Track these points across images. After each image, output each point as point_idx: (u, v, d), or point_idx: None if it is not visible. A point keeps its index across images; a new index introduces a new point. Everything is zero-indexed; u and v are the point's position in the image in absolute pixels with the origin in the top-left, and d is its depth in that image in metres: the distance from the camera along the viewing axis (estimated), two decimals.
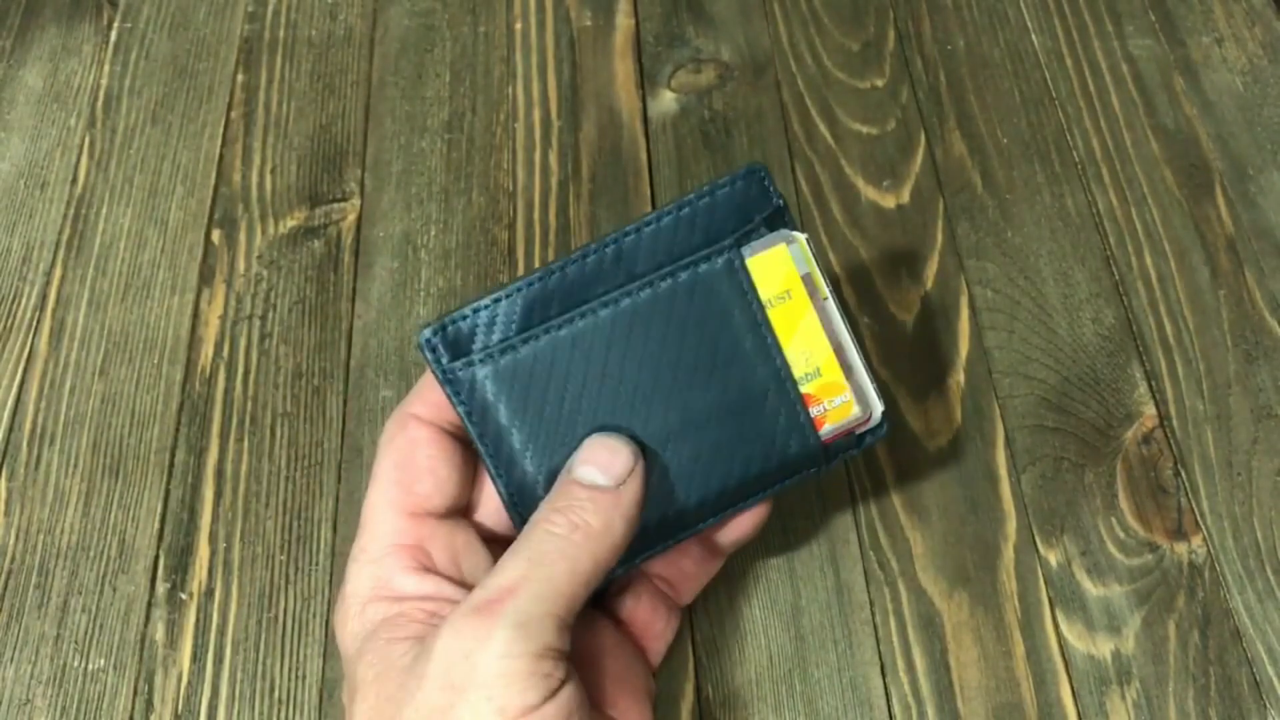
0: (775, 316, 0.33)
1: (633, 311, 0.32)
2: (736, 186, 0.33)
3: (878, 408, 0.34)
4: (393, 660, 0.30)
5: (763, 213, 0.33)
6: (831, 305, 0.33)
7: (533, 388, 0.32)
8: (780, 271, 0.33)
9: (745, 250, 0.33)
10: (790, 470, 0.34)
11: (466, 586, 0.32)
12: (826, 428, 0.33)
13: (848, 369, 0.33)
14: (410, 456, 0.33)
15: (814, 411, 0.33)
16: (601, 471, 0.31)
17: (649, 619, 0.35)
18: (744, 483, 0.33)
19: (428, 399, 0.34)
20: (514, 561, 0.30)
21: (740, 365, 0.33)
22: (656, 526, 0.33)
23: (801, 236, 0.33)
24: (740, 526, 0.36)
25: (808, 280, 0.33)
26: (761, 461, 0.33)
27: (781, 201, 0.33)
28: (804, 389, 0.33)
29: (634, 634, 0.35)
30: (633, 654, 0.35)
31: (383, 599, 0.32)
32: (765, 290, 0.33)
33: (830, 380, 0.33)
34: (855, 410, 0.33)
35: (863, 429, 0.34)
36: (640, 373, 0.32)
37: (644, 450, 0.33)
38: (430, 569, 0.32)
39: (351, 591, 0.32)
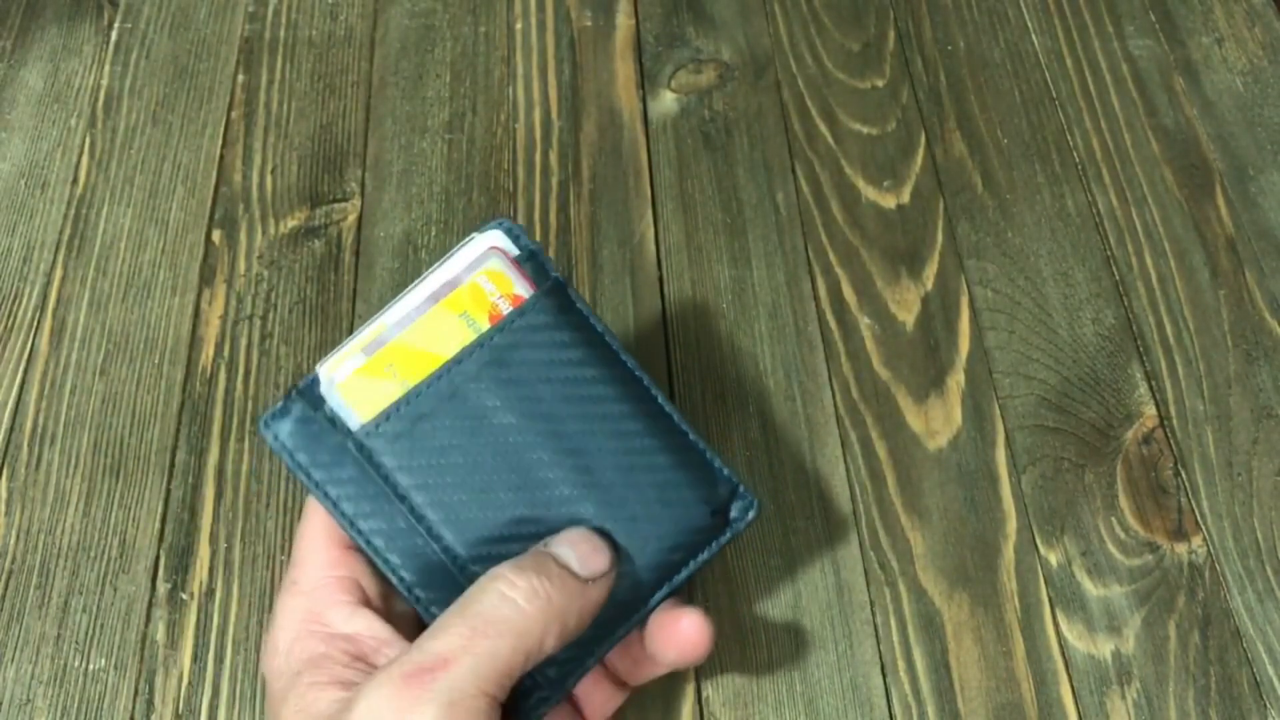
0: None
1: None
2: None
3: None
4: (316, 710, 0.29)
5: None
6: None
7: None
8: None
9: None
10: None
11: (395, 625, 0.31)
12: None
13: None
14: None
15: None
16: (580, 562, 0.30)
17: (590, 691, 0.34)
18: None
19: None
20: (457, 624, 0.28)
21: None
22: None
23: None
24: (676, 639, 0.33)
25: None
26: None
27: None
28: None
29: (574, 699, 0.34)
30: (570, 714, 0.34)
31: (311, 635, 0.31)
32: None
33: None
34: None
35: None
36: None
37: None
38: (363, 603, 0.32)
39: (281, 625, 0.31)
